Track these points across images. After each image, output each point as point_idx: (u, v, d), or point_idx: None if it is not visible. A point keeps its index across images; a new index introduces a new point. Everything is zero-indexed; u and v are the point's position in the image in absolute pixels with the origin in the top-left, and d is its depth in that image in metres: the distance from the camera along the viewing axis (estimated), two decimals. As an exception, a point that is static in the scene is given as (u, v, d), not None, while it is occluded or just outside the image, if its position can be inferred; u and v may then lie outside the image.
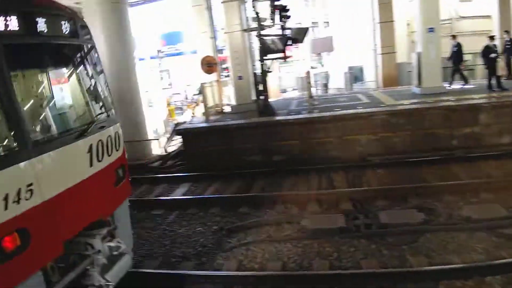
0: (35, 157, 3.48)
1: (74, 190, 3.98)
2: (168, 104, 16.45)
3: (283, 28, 12.54)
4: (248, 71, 13.91)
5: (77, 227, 4.06)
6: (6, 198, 3.12)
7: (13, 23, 3.54)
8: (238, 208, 7.99)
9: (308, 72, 13.39)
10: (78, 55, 4.86)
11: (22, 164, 3.34)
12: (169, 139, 13.89)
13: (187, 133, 12.15)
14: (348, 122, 10.72)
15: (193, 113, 14.38)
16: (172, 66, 34.88)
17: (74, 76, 4.89)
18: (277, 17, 12.58)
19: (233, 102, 14.79)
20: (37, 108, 4.40)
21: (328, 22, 29.77)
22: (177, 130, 12.73)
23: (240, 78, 13.90)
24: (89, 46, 4.95)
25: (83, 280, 4.01)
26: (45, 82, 4.61)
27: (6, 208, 3.11)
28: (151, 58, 20.41)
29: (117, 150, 5.02)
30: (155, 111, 16.02)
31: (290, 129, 11.05)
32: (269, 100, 13.02)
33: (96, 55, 5.14)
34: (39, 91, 4.55)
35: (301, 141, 10.97)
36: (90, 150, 4.35)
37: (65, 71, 4.89)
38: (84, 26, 4.81)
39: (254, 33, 13.04)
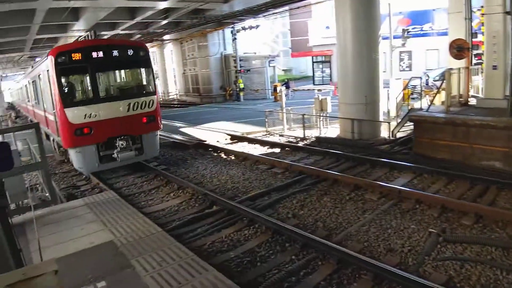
0: (99, 103, 10.94)
1: (116, 119, 11.08)
2: (405, 87, 15.62)
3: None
4: (506, 61, 11.89)
5: (115, 134, 11.17)
6: (85, 115, 10.74)
7: (101, 54, 11.01)
8: (461, 217, 7.13)
9: None
10: (135, 64, 12.15)
11: (94, 104, 10.87)
12: (400, 124, 13.31)
13: (420, 121, 11.40)
14: None
15: (431, 101, 13.29)
16: (415, 47, 32.93)
17: (130, 73, 12.73)
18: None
19: (481, 95, 13.01)
20: (106, 86, 12.05)
21: None
22: (410, 116, 12.06)
23: (494, 67, 12.02)
24: (145, 60, 12.00)
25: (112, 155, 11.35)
26: (114, 75, 12.61)
27: (84, 118, 10.68)
28: (395, 37, 19.57)
29: (149, 108, 11.76)
30: (390, 92, 15.53)
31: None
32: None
33: (148, 64, 12.20)
34: (111, 79, 12.38)
35: None
36: (128, 105, 11.30)
37: (126, 71, 12.79)
38: (144, 50, 11.99)
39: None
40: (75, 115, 10.77)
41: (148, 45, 45.77)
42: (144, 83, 12.35)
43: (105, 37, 32.67)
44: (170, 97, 47.18)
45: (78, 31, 27.85)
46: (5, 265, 2.68)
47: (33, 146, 11.12)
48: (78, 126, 10.80)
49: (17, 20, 22.16)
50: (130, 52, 11.65)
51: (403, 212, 7.46)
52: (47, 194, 8.63)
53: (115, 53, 11.34)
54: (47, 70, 11.33)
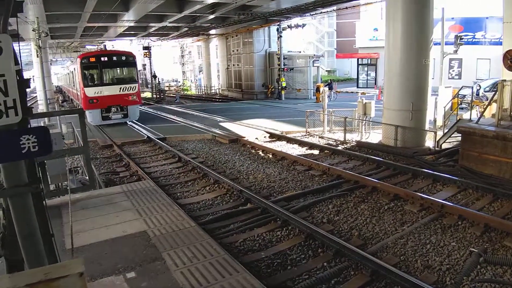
0: (103, 86, 20.23)
1: (112, 95, 20.24)
2: (454, 97, 14.96)
3: None
4: None
5: (111, 104, 20.42)
6: (95, 92, 20.11)
7: (106, 58, 20.60)
8: (504, 237, 6.62)
9: None
10: (125, 65, 21.52)
11: (100, 86, 20.17)
12: (447, 134, 12.76)
13: (469, 133, 10.85)
14: None
15: (481, 112, 12.66)
16: (465, 55, 31.65)
17: (124, 70, 21.71)
18: None
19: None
20: (108, 76, 20.94)
21: None
22: (458, 127, 11.52)
23: (548, 81, 11.31)
24: (132, 63, 21.63)
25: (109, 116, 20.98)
26: (113, 70, 21.43)
27: (94, 94, 19.98)
28: (446, 44, 18.88)
29: (133, 91, 20.74)
30: (438, 100, 14.90)
31: None
32: None
33: (134, 65, 21.91)
34: (111, 73, 21.39)
35: None
36: (120, 88, 20.46)
37: (120, 68, 21.67)
38: (132, 57, 21.83)
39: None
40: (90, 91, 19.93)
41: (194, 38, 46.87)
42: (130, 76, 21.56)
43: (153, 29, 33.45)
44: (213, 91, 47.60)
45: (127, 21, 28.52)
46: (36, 251, 2.69)
47: (77, 130, 11.43)
48: (91, 98, 19.92)
49: (69, 7, 22.95)
50: (123, 58, 21.29)
51: (444, 228, 7.09)
52: (87, 178, 8.84)
53: (114, 58, 20.92)
54: (77, 66, 20.98)
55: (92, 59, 20.27)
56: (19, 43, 2.84)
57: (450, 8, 25.83)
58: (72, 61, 33.44)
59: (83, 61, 20.13)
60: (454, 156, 11.41)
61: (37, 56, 24.83)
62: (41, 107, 27.70)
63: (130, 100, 20.74)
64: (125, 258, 4.67)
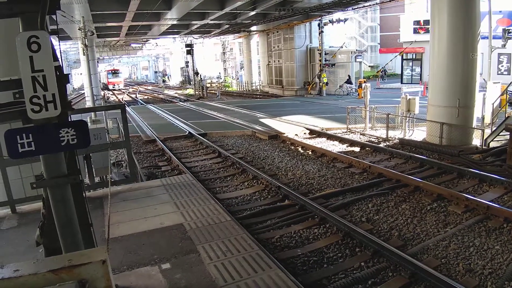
0: (114, 78, 70.78)
1: (114, 81, 69.63)
2: (503, 93, 14.20)
3: None
4: None
5: (114, 83, 69.30)
6: (111, 81, 73.11)
7: (113, 70, 74.96)
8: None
9: None
10: (119, 73, 73.79)
11: (113, 78, 71.13)
12: (495, 133, 12.15)
13: (517, 131, 10.27)
14: None
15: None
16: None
17: (117, 74, 73.02)
18: None
19: None
20: (115, 76, 73.80)
21: None
22: (507, 125, 10.95)
23: None
24: (119, 72, 74.38)
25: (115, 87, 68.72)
26: (116, 74, 74.44)
27: (110, 81, 72.00)
28: (494, 38, 17.89)
29: (120, 80, 71.92)
30: (486, 97, 14.20)
31: None
32: None
33: (120, 72, 76.30)
34: (116, 74, 74.96)
35: None
36: (117, 79, 71.90)
37: (118, 73, 73.41)
38: (119, 70, 76.82)
39: None
40: (110, 80, 68.36)
41: (235, 35, 47.28)
42: (119, 76, 71.58)
43: (195, 27, 34.10)
44: (253, 87, 47.69)
45: (170, 19, 29.08)
46: (73, 240, 2.78)
47: (121, 125, 11.81)
48: (109, 82, 67.77)
49: (114, 7, 23.69)
50: (118, 70, 73.27)
51: (488, 231, 6.74)
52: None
53: (115, 70, 72.41)
54: (105, 72, 75.38)
55: (110, 71, 71.20)
56: (59, 40, 2.93)
57: (497, 0, 24.57)
58: (106, 68, 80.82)
59: (107, 71, 72.37)
60: (502, 156, 10.85)
61: (84, 54, 25.79)
62: (88, 103, 28.81)
63: (119, 83, 67.46)
64: (161, 249, 4.77)
